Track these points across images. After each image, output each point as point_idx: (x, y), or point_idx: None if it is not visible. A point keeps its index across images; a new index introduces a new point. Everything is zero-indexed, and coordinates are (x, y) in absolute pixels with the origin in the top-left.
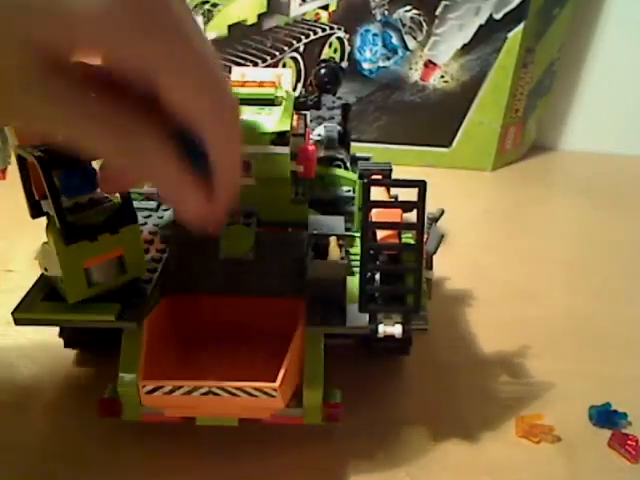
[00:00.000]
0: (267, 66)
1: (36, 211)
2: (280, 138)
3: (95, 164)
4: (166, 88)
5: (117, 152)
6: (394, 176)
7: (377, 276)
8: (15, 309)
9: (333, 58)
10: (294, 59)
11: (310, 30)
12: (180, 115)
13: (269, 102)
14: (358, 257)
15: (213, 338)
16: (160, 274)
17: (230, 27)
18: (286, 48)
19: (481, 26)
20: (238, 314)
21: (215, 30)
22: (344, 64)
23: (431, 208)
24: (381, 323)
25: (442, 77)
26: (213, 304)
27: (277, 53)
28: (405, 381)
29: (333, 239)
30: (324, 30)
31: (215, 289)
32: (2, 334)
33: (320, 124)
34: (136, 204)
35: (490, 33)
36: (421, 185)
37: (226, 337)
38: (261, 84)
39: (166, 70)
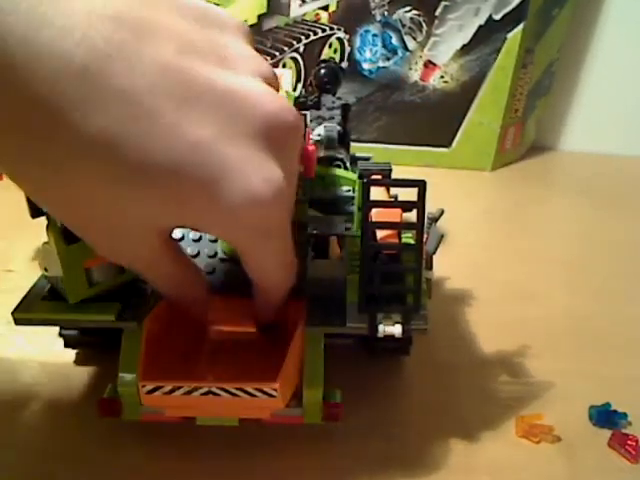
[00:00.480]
0: None
1: (36, 211)
2: None
3: None
4: (252, 273)
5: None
6: (394, 176)
7: (377, 276)
8: (15, 309)
9: (333, 58)
10: (294, 59)
11: (310, 30)
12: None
13: None
14: (358, 257)
15: (213, 338)
16: None
17: None
18: (286, 48)
19: (481, 27)
20: (238, 314)
21: None
22: (344, 64)
23: (431, 208)
24: (381, 323)
25: (442, 77)
26: (213, 304)
27: (277, 53)
28: (405, 381)
29: (333, 239)
30: (324, 30)
31: (215, 289)
32: (2, 334)
33: (320, 124)
34: None
35: (490, 33)
36: (421, 185)
37: (226, 337)
38: None
39: (264, 270)
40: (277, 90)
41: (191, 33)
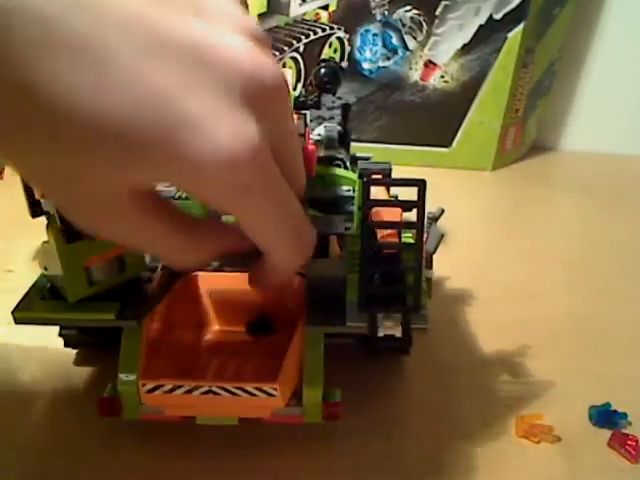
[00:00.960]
0: None
1: (36, 210)
2: None
3: None
4: (254, 235)
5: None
6: (394, 176)
7: (377, 276)
8: (15, 308)
9: (333, 58)
10: (294, 59)
11: (310, 30)
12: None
13: None
14: (358, 256)
15: (213, 337)
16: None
17: None
18: (286, 48)
19: (481, 26)
20: (238, 314)
21: None
22: (344, 64)
23: (431, 208)
24: (381, 323)
25: (442, 77)
26: (213, 303)
27: (277, 53)
28: (405, 381)
29: (333, 238)
30: (324, 30)
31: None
32: (2, 334)
33: (320, 124)
34: None
35: (490, 33)
36: (421, 184)
37: (226, 336)
38: None
39: (257, 230)
40: (268, 49)
41: None
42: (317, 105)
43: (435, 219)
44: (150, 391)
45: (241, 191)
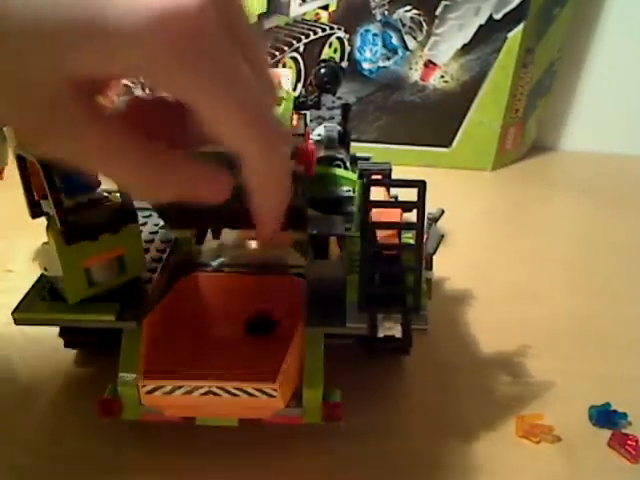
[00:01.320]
0: None
1: (36, 211)
2: None
3: None
4: (210, 122)
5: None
6: (394, 176)
7: (377, 276)
8: (15, 309)
9: (333, 58)
10: (294, 59)
11: (310, 30)
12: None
13: None
14: (358, 257)
15: (213, 337)
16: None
17: None
18: (286, 48)
19: (481, 26)
20: (238, 314)
21: None
22: (344, 64)
23: (431, 208)
24: (381, 323)
25: (442, 77)
26: (213, 304)
27: (277, 53)
28: (405, 381)
29: (333, 239)
30: (324, 30)
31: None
32: (2, 334)
33: (320, 124)
34: (136, 204)
35: (490, 33)
36: (421, 185)
37: (226, 336)
38: None
39: (208, 105)
40: None
41: None
42: (317, 105)
43: (435, 220)
44: (150, 392)
45: (185, 55)
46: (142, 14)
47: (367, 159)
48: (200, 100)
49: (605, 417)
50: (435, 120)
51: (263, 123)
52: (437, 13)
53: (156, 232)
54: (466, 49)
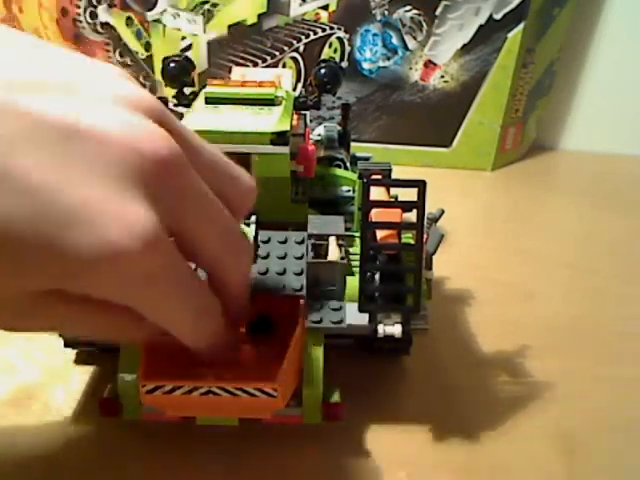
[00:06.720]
0: (267, 66)
1: None
2: (280, 138)
3: None
4: (153, 319)
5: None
6: (394, 176)
7: (377, 276)
8: None
9: (333, 58)
10: (294, 59)
11: (310, 30)
12: None
13: (269, 102)
14: (358, 257)
15: None
16: None
17: (230, 27)
18: (286, 48)
19: (481, 26)
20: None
21: (215, 30)
22: (344, 64)
23: (431, 208)
24: (381, 323)
25: (442, 77)
26: None
27: (277, 53)
28: (405, 381)
29: (333, 239)
30: (324, 30)
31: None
32: (2, 334)
33: (320, 124)
34: None
35: (490, 33)
36: (421, 185)
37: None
38: (261, 84)
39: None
40: (162, 118)
41: (31, 71)
42: (317, 105)
43: (435, 220)
44: (150, 392)
45: (138, 283)
46: (109, 248)
47: (367, 159)
48: (151, 313)
49: None
50: (435, 120)
51: (203, 317)
52: (437, 13)
53: None
54: (466, 49)
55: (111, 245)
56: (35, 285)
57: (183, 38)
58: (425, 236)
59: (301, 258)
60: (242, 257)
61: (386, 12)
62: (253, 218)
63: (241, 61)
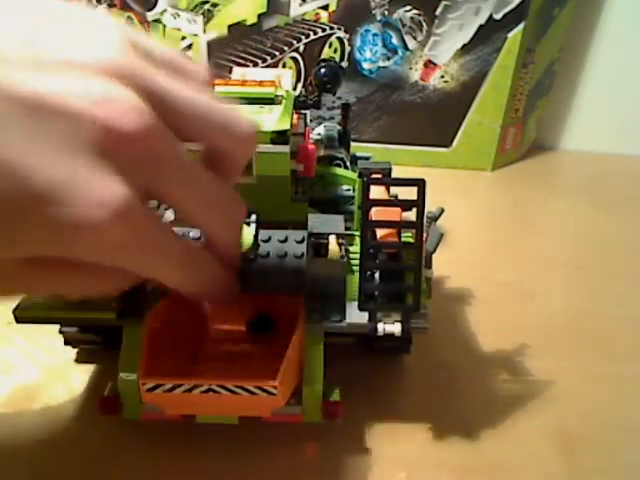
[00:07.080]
0: (267, 66)
1: None
2: (280, 137)
3: None
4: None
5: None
6: (394, 176)
7: (377, 274)
8: (16, 307)
9: (333, 58)
10: (294, 59)
11: (310, 30)
12: None
13: (269, 101)
14: (358, 256)
15: (213, 336)
16: None
17: (230, 27)
18: (286, 48)
19: (481, 26)
20: (238, 313)
21: (215, 30)
22: (344, 64)
23: (431, 208)
24: (381, 321)
25: (442, 77)
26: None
27: (277, 53)
28: (405, 380)
29: (333, 238)
30: (324, 30)
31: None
32: (2, 334)
33: (320, 124)
34: None
35: (490, 33)
36: (420, 183)
37: (226, 335)
38: (261, 83)
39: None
40: (138, 71)
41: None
42: (317, 105)
43: (435, 219)
44: (150, 390)
45: (114, 249)
46: (83, 221)
47: (367, 159)
48: (135, 271)
49: None
50: (435, 120)
51: (189, 267)
52: (437, 13)
53: None
54: (466, 49)
55: (83, 220)
56: (18, 254)
57: (183, 38)
58: (425, 235)
59: (301, 257)
60: (228, 220)
61: (386, 12)
62: (253, 217)
63: (241, 61)
